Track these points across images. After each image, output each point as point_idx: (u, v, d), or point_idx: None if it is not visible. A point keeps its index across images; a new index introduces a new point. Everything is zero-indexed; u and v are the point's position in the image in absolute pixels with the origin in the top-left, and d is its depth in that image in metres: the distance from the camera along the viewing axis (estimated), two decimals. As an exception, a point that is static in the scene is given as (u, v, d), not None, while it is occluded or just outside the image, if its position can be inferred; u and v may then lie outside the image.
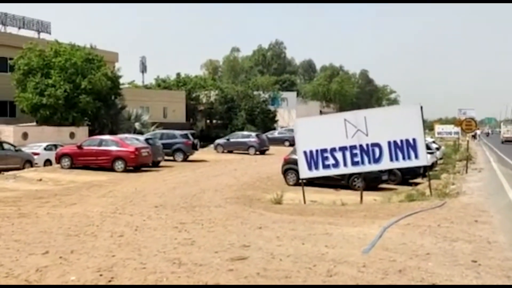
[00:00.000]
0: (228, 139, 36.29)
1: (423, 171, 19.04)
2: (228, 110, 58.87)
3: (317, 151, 13.45)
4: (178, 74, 65.97)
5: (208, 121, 63.40)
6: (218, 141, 36.97)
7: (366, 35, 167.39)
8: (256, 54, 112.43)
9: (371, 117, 13.23)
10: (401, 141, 12.96)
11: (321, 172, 13.66)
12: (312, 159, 13.50)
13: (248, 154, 34.45)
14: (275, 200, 13.44)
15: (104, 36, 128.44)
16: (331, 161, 13.38)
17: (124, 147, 22.39)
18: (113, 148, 22.51)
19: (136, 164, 22.70)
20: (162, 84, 64.31)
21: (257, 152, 34.45)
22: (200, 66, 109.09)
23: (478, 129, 27.92)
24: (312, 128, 13.75)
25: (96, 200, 14.30)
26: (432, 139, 31.68)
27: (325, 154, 13.41)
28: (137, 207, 12.59)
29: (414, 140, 12.90)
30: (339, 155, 13.30)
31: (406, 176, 19.29)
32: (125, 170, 22.16)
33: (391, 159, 13.04)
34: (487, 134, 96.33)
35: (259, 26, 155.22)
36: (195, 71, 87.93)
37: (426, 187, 15.43)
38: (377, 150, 13.09)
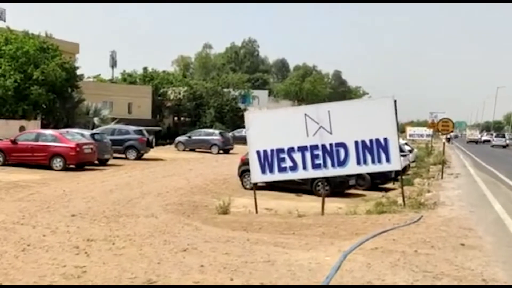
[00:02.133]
0: (189, 137, 33.92)
1: (395, 176, 17.16)
2: (197, 107, 56.77)
3: (272, 151, 11.31)
4: (145, 69, 63.75)
5: (175, 118, 61.25)
6: (179, 138, 34.58)
7: (340, 36, 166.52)
8: (229, 52, 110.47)
9: (336, 112, 11.15)
10: (371, 141, 10.93)
11: (276, 176, 11.53)
12: (266, 161, 11.35)
13: (210, 153, 32.20)
14: (221, 209, 11.26)
15: (75, 30, 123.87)
16: (288, 163, 11.26)
17: (63, 143, 19.84)
18: (51, 143, 19.93)
19: (77, 161, 20.19)
20: (128, 79, 62.00)
21: (221, 151, 32.24)
22: (171, 62, 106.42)
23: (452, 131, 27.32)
24: (267, 124, 11.59)
25: (7, 204, 11.85)
26: (405, 141, 29.97)
27: (282, 155, 11.28)
28: (49, 216, 10.24)
29: (385, 140, 10.89)
30: (297, 156, 11.19)
31: (376, 181, 17.35)
32: (65, 169, 19.63)
33: (359, 162, 11.00)
34: (456, 136, 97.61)
35: (232, 24, 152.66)
36: (166, 67, 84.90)
37: (398, 194, 13.53)
38: (342, 151, 11.03)
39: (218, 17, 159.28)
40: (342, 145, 11.05)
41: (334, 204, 14.00)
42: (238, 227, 9.06)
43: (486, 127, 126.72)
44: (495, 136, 66.23)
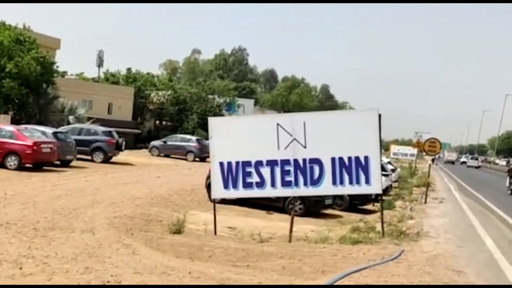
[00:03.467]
0: (165, 142, 32.34)
1: (375, 197, 15.82)
2: (180, 112, 55.34)
3: (237, 163, 9.83)
4: (129, 70, 62.31)
5: (157, 121, 59.80)
6: (153, 143, 33.00)
7: (330, 50, 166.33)
8: (218, 58, 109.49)
9: (312, 123, 9.74)
10: (350, 159, 9.53)
11: (240, 193, 10.05)
12: (230, 174, 9.88)
13: (186, 159, 30.65)
14: (174, 227, 9.74)
15: (65, 28, 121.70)
16: (255, 178, 9.79)
17: (20, 140, 18.16)
18: (7, 140, 18.24)
19: (34, 161, 18.52)
20: (111, 79, 60.46)
21: (197, 159, 30.70)
22: (159, 66, 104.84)
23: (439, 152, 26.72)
24: (234, 132, 10.11)
25: None
26: (388, 160, 28.74)
27: (248, 169, 9.82)
28: (-33, 224, 8.67)
29: (366, 159, 9.50)
30: (266, 172, 9.74)
31: (355, 202, 15.99)
32: (20, 168, 17.96)
33: (334, 182, 9.58)
34: (438, 157, 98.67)
35: (223, 31, 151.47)
36: (154, 70, 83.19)
37: (377, 217, 12.15)
38: (316, 169, 9.62)
39: (209, 24, 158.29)
40: (317, 161, 9.64)
41: (306, 226, 12.62)
42: (185, 252, 7.58)
43: (470, 150, 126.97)
44: (470, 158, 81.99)
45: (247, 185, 9.86)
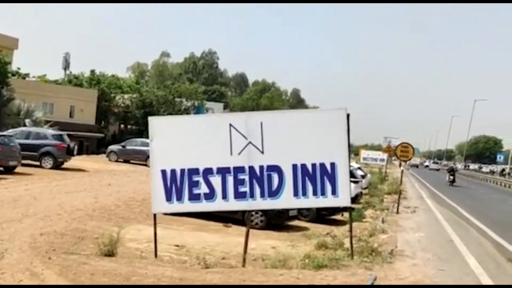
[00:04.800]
0: (124, 146, 30.42)
1: (344, 207, 14.52)
2: (146, 115, 53.13)
3: (182, 171, 8.33)
4: (92, 71, 60.28)
5: (122, 125, 57.86)
6: (111, 147, 31.06)
7: (301, 54, 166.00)
8: (187, 62, 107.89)
9: (270, 124, 8.34)
10: (314, 166, 8.16)
11: (186, 206, 8.51)
12: (174, 184, 8.36)
13: (146, 165, 28.84)
14: (106, 248, 8.15)
15: (32, 31, 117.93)
16: (203, 189, 8.31)
17: (-50, 144, 16.28)
18: None
19: (-33, 167, 16.63)
20: (74, 81, 58.27)
21: (158, 165, 28.92)
22: (127, 69, 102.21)
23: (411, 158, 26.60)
24: (179, 135, 8.60)
25: None
26: (358, 165, 27.62)
27: (195, 178, 8.33)
28: None
29: (333, 166, 8.15)
30: (216, 181, 8.27)
31: (323, 212, 14.64)
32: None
33: (296, 194, 8.18)
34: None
35: (193, 34, 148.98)
36: (122, 73, 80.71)
37: (346, 231, 10.88)
38: (275, 178, 8.20)
39: (179, 26, 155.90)
40: (276, 169, 8.23)
41: (267, 242, 11.24)
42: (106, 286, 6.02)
43: (438, 155, 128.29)
44: (432, 163, 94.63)
45: (194, 197, 8.37)
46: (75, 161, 25.28)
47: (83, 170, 23.06)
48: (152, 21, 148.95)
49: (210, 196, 8.33)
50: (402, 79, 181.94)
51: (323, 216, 14.81)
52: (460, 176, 58.48)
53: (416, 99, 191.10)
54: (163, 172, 8.39)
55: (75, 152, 23.49)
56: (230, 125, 8.31)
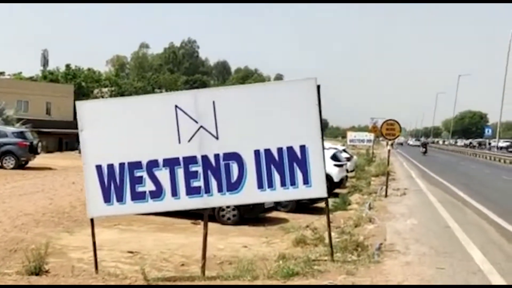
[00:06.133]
0: (96, 142, 28.76)
1: (329, 191, 13.10)
2: (125, 108, 51.76)
3: (122, 166, 6.83)
4: (68, 66, 58.54)
5: (102, 120, 56.13)
6: (83, 143, 29.35)
7: (283, 40, 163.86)
8: (167, 52, 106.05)
9: (225, 103, 6.85)
10: (280, 150, 6.71)
11: (128, 207, 7.00)
12: (113, 182, 6.87)
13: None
14: (32, 264, 6.63)
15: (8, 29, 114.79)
16: (148, 186, 6.82)
17: None
18: None
19: None
20: (49, 77, 56.53)
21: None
22: (106, 62, 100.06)
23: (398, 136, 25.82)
24: (114, 122, 7.07)
25: None
26: (343, 147, 26.25)
27: (138, 173, 6.84)
28: None
29: (303, 149, 6.70)
30: (163, 176, 6.78)
31: (303, 201, 13.20)
32: None
33: (261, 186, 6.74)
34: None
35: (171, 23, 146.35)
36: (101, 67, 78.77)
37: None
38: (234, 168, 6.74)
39: (156, 16, 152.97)
40: (235, 157, 6.76)
41: (239, 240, 9.90)
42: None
43: (425, 133, 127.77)
44: (414, 140, 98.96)
45: (138, 197, 6.88)
46: (43, 159, 23.68)
47: (50, 169, 21.45)
48: (129, 12, 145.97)
49: (157, 194, 6.85)
50: (389, 59, 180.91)
51: (304, 205, 13.39)
52: (442, 150, 63.32)
53: (401, 80, 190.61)
54: (99, 168, 6.88)
55: (39, 150, 21.81)
56: (176, 106, 6.80)
